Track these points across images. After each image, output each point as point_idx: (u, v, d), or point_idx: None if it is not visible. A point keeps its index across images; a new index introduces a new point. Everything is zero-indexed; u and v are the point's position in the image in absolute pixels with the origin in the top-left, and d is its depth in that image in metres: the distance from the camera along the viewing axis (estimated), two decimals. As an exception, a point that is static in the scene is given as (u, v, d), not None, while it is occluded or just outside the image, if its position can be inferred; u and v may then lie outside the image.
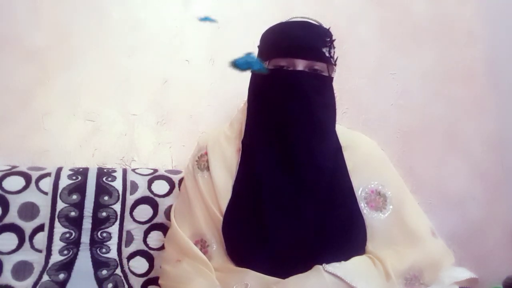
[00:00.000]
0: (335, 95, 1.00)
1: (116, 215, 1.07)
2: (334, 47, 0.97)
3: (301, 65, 0.92)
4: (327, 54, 0.94)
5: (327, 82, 0.97)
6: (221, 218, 0.93)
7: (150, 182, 1.13)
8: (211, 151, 1.02)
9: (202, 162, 1.02)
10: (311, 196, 0.91)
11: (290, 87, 0.92)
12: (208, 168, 1.00)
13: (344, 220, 0.92)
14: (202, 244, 0.94)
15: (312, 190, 0.92)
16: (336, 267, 0.83)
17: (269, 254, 0.88)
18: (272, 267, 0.86)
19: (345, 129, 1.05)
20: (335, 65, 0.98)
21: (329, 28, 0.97)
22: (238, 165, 0.98)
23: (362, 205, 0.94)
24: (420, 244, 0.93)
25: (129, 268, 1.06)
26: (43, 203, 1.03)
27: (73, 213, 1.04)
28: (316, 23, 0.98)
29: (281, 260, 0.87)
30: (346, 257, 0.87)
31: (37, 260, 1.01)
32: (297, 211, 0.90)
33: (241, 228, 0.92)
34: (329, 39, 0.95)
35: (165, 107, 1.33)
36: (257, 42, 1.02)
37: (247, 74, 1.03)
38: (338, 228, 0.91)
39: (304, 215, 0.90)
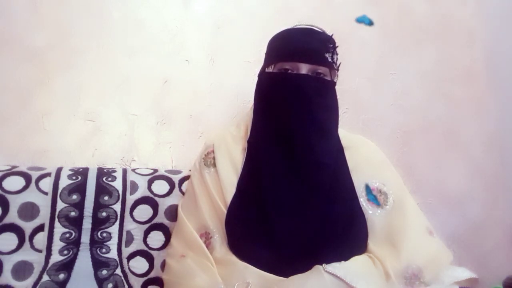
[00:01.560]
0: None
1: (116, 215, 1.07)
2: (337, 54, 1.00)
3: (304, 68, 0.96)
4: (329, 59, 0.97)
5: (330, 85, 1.00)
6: (225, 211, 0.95)
7: (150, 182, 1.13)
8: (218, 148, 1.06)
9: (208, 159, 1.05)
10: (313, 193, 0.93)
11: (293, 89, 0.95)
12: (214, 165, 1.03)
13: (346, 217, 0.94)
14: (206, 236, 0.96)
15: (315, 187, 0.94)
16: (336, 267, 0.84)
17: (270, 249, 0.89)
18: (273, 263, 0.87)
19: (346, 133, 1.08)
20: (337, 70, 1.02)
21: (332, 35, 1.00)
22: (244, 163, 1.00)
23: (362, 201, 0.96)
24: (416, 242, 0.94)
25: (129, 268, 1.06)
26: (43, 203, 1.03)
27: (73, 213, 1.04)
28: (320, 30, 1.02)
29: (282, 256, 0.88)
30: (348, 254, 0.89)
31: (37, 260, 1.01)
32: (299, 208, 0.92)
33: (243, 223, 0.94)
34: (331, 45, 0.99)
35: (165, 107, 1.33)
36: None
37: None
38: (340, 224, 0.92)
39: (306, 212, 0.92)
